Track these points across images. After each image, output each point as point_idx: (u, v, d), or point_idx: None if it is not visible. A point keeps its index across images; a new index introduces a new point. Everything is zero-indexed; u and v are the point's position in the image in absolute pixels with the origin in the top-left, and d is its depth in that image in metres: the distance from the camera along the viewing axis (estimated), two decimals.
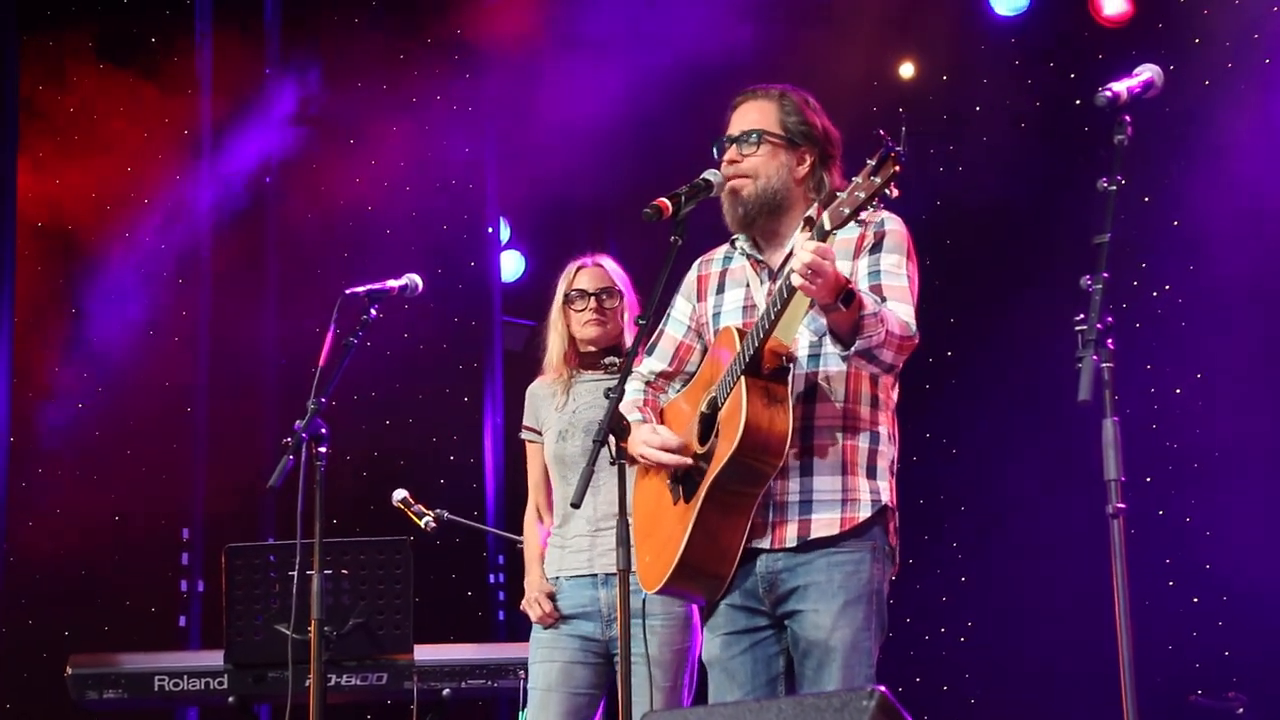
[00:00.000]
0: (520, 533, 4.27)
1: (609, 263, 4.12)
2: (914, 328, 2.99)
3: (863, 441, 3.05)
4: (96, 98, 6.90)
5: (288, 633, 3.97)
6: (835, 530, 3.01)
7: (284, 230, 6.99)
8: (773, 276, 3.13)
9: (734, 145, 3.16)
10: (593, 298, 4.02)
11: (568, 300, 4.06)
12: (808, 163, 3.16)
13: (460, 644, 5.07)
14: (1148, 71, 2.76)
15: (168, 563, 6.69)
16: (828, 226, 2.79)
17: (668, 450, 3.05)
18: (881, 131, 2.73)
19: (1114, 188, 2.60)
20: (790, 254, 2.94)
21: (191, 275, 6.93)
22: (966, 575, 6.46)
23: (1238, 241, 5.92)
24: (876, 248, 3.07)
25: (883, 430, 3.09)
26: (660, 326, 3.32)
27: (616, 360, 4.00)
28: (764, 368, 2.96)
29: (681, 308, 3.30)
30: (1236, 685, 5.59)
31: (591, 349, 4.05)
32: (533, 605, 3.97)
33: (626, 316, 4.05)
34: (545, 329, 4.12)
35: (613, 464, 2.99)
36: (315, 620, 3.75)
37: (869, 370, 3.00)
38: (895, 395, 3.15)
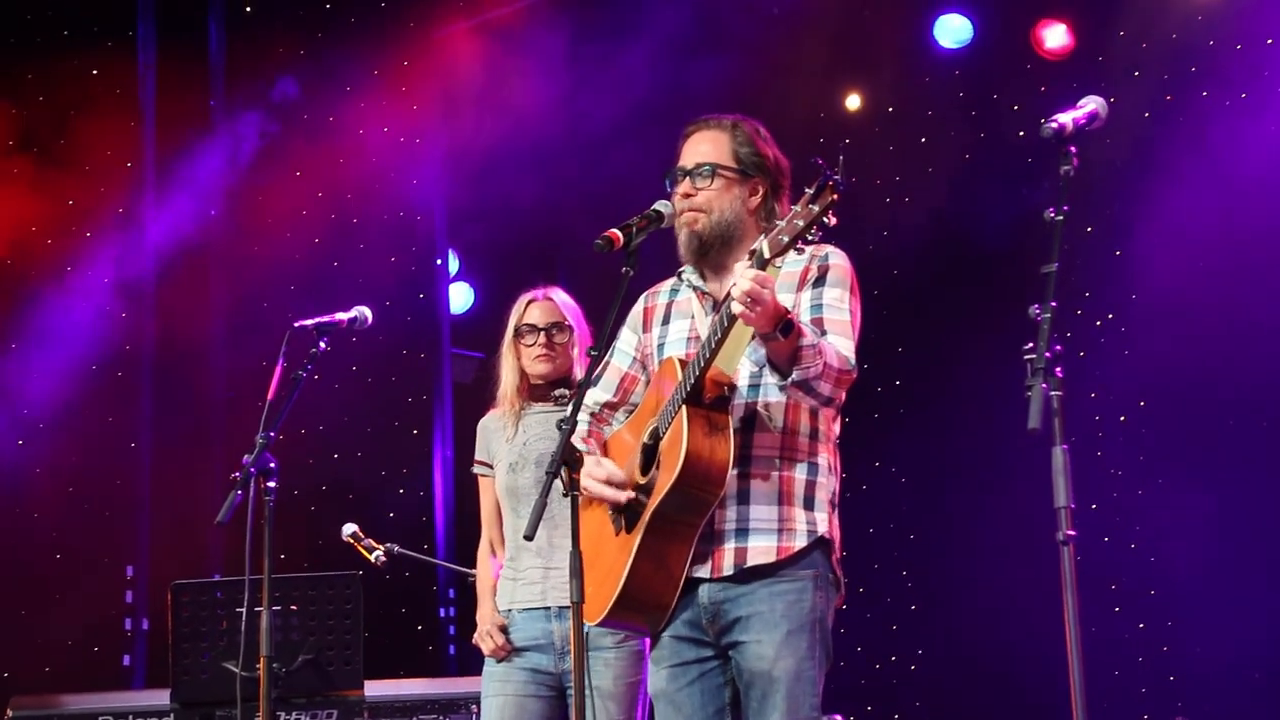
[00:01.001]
0: (471, 565, 4.23)
1: (559, 295, 4.12)
2: (853, 362, 2.99)
3: (800, 473, 3.04)
4: (37, 130, 6.83)
5: (236, 670, 3.91)
6: (772, 558, 3.00)
7: (230, 263, 6.93)
8: (716, 307, 3.11)
9: (687, 178, 3.14)
10: (542, 333, 4.02)
11: (518, 335, 4.05)
12: (760, 193, 3.15)
13: (411, 679, 5.04)
14: (1092, 103, 2.78)
15: (111, 601, 6.58)
16: (766, 254, 2.78)
17: (612, 484, 3.04)
18: (820, 160, 2.73)
19: (1060, 218, 2.63)
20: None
21: (135, 309, 6.85)
22: (916, 603, 6.49)
23: (1178, 270, 6.01)
24: (820, 281, 3.07)
25: (822, 461, 3.07)
26: (605, 358, 3.30)
27: (566, 392, 4.00)
28: (705, 397, 2.95)
29: (627, 339, 3.29)
30: (1182, 710, 5.65)
31: (541, 383, 4.05)
32: (485, 638, 3.94)
33: (577, 349, 4.05)
34: (497, 361, 4.11)
35: (565, 496, 2.98)
36: (264, 657, 3.70)
37: (807, 402, 2.98)
38: (837, 428, 3.15)
